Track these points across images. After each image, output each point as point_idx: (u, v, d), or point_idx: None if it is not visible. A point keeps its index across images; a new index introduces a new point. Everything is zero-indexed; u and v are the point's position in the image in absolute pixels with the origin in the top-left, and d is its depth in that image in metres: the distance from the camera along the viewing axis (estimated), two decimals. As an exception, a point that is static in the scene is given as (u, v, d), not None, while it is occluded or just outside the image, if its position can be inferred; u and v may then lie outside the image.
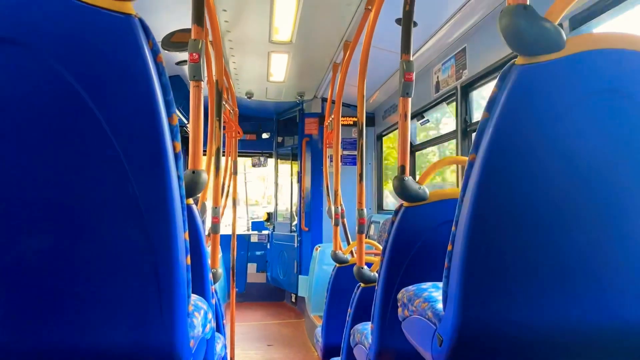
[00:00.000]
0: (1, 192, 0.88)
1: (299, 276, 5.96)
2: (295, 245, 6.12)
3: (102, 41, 0.87)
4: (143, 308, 0.95)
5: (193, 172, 1.70)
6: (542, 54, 1.04)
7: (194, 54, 1.69)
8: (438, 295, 1.38)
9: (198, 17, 1.75)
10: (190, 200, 1.69)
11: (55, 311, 0.91)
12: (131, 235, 0.92)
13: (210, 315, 1.32)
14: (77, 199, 0.91)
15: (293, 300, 6.30)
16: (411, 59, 1.91)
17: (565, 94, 1.04)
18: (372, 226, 5.22)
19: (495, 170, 1.08)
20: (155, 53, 0.91)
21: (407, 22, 1.92)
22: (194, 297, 1.27)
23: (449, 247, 1.21)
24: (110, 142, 0.89)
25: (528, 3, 1.04)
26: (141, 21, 0.89)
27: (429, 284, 1.55)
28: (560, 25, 2.36)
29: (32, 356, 0.92)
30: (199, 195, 2.61)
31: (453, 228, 1.20)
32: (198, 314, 1.20)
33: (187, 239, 1.00)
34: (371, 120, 5.76)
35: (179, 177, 0.95)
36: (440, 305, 1.31)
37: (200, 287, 1.62)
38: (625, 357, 1.17)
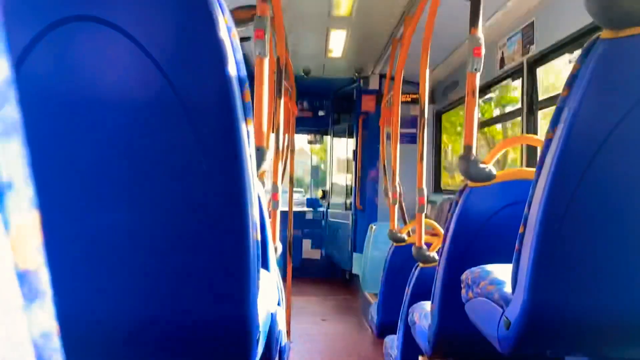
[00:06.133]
0: (93, 173, 0.92)
1: (354, 254, 5.98)
2: (350, 223, 6.13)
3: (180, 16, 0.88)
4: (218, 283, 0.97)
5: (257, 148, 1.72)
6: (630, 27, 0.96)
7: (259, 31, 1.69)
8: (504, 277, 1.34)
9: None
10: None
11: (138, 286, 0.96)
12: (206, 212, 0.94)
13: (275, 291, 1.34)
14: (158, 177, 0.94)
15: (347, 277, 6.34)
16: (479, 33, 1.84)
17: None
18: (429, 206, 5.14)
19: (575, 150, 1.03)
20: (230, 30, 0.91)
21: None
22: (262, 272, 1.30)
23: (521, 229, 1.17)
24: (185, 117, 0.91)
25: None
26: None
27: (495, 266, 1.51)
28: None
29: (114, 328, 0.97)
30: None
31: (526, 210, 1.16)
32: (265, 289, 1.23)
33: (257, 215, 1.02)
34: (430, 96, 5.63)
35: (250, 154, 0.97)
36: (507, 288, 1.27)
37: (264, 263, 1.65)
38: None
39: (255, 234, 0.99)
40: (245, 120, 0.95)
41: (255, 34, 1.69)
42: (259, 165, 1.74)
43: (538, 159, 1.12)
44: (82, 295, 0.93)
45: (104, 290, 0.95)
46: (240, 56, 0.94)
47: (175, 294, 0.96)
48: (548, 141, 1.08)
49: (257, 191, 1.75)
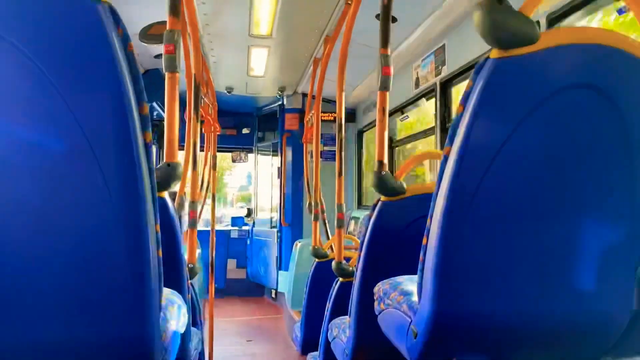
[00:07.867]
0: None
1: (279, 272, 5.94)
2: (275, 241, 6.10)
3: (70, 27, 0.85)
4: (114, 301, 0.93)
5: (168, 164, 1.68)
6: (516, 48, 1.04)
7: (169, 45, 1.66)
8: (413, 288, 1.38)
9: (174, 8, 1.73)
10: (165, 194, 1.66)
11: (26, 306, 0.89)
12: (101, 227, 0.90)
13: (184, 310, 1.30)
14: (47, 191, 0.89)
15: (273, 295, 6.28)
16: (389, 53, 1.91)
17: (539, 87, 1.05)
18: (353, 222, 5.23)
19: (470, 163, 1.08)
20: (125, 41, 0.89)
21: (385, 16, 1.92)
22: (167, 291, 1.26)
23: (424, 241, 1.21)
24: (79, 131, 0.87)
25: None
26: (111, 8, 0.87)
27: (405, 277, 1.55)
28: (537, 22, 2.39)
29: (3, 351, 0.90)
30: (177, 189, 2.58)
31: (428, 222, 1.20)
32: (172, 308, 1.18)
33: (159, 231, 0.99)
34: (352, 116, 5.76)
35: (149, 168, 0.94)
36: (415, 299, 1.31)
37: (175, 282, 1.60)
38: (589, 345, 1.20)
39: (155, 251, 0.96)
40: (144, 133, 0.92)
41: (165, 48, 1.66)
42: (171, 180, 1.69)
43: (438, 173, 1.17)
44: None
45: None
46: (136, 69, 0.91)
47: (68, 314, 0.91)
48: (445, 157, 1.13)
49: (170, 208, 1.71)
